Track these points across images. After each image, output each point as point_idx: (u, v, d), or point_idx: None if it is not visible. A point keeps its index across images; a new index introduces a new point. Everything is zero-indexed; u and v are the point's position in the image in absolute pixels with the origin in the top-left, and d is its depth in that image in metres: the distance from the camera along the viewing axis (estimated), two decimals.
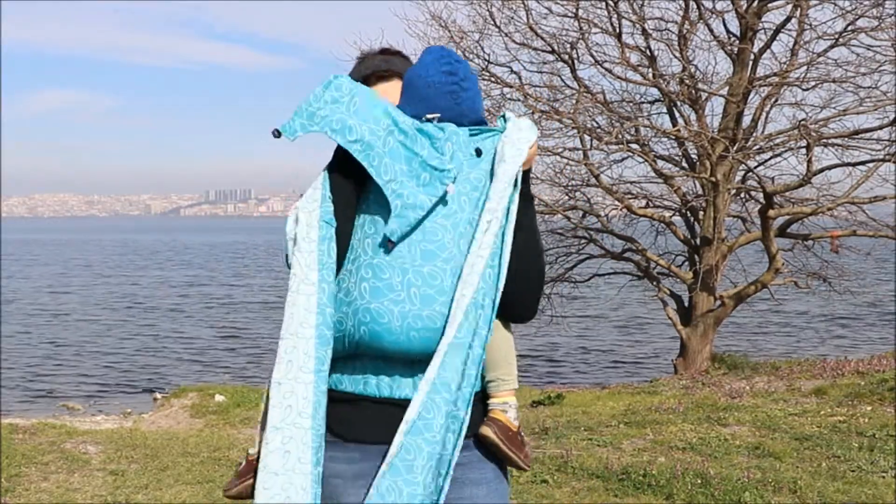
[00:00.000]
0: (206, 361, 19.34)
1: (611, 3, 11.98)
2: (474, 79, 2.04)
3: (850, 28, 11.51)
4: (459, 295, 1.85)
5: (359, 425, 1.92)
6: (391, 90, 2.06)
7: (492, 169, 1.96)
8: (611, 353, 19.79)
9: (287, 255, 1.94)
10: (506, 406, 2.00)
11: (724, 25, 12.42)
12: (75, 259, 64.66)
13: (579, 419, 8.15)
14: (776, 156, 13.17)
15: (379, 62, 2.12)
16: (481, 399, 2.00)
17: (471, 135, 1.98)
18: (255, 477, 1.91)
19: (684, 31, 12.08)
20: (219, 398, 10.46)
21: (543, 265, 2.06)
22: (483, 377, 2.00)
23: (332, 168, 1.97)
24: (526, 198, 2.00)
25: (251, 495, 1.94)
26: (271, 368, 1.91)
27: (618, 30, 12.11)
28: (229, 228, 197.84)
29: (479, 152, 1.97)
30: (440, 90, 1.97)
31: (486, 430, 1.96)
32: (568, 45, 12.39)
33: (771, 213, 11.92)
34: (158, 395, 12.71)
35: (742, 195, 13.75)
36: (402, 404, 1.88)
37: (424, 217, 1.89)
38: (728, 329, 19.86)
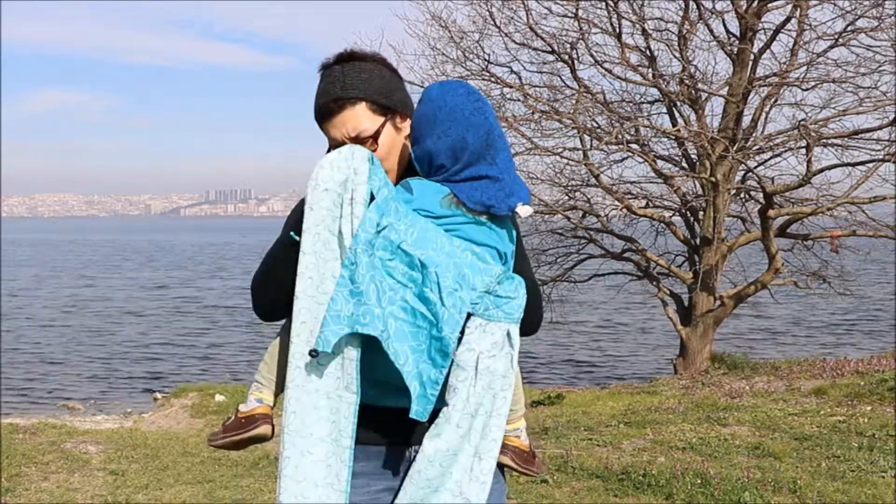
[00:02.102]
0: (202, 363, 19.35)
1: (611, 3, 11.97)
2: (483, 95, 2.04)
3: (849, 28, 11.51)
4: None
5: (362, 430, 1.93)
6: (347, 119, 1.98)
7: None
8: (610, 353, 19.79)
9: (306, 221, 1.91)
10: (518, 431, 2.13)
11: (724, 25, 12.43)
12: (58, 260, 64.58)
13: (579, 419, 8.16)
14: (776, 156, 13.18)
15: (332, 85, 1.99)
16: None
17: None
18: (242, 432, 2.05)
19: (684, 32, 12.08)
20: (219, 398, 10.47)
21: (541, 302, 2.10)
22: None
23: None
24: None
25: (233, 448, 2.12)
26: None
27: (618, 30, 12.11)
28: (227, 228, 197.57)
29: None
30: (466, 110, 1.94)
31: (504, 458, 2.08)
32: (568, 46, 12.39)
33: (771, 213, 11.92)
34: (158, 395, 12.71)
35: (742, 195, 13.75)
36: (400, 411, 1.91)
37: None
38: (726, 335, 19.85)
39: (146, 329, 24.79)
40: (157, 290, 37.85)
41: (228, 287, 39.19)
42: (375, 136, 1.99)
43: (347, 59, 2.03)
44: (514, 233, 2.02)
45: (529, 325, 2.00)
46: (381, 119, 2.00)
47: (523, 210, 1.95)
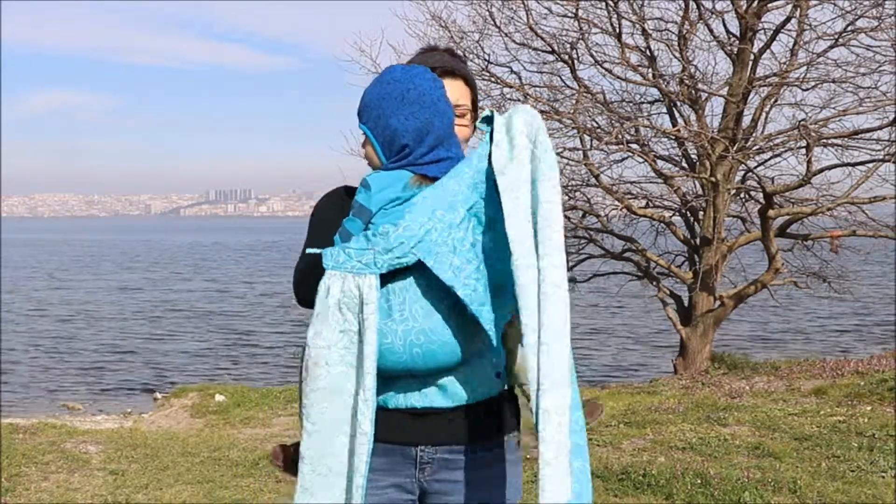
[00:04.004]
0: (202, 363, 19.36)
1: (611, 3, 11.97)
2: None
3: (849, 28, 11.50)
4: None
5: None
6: (452, 88, 2.13)
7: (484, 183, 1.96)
8: (610, 353, 19.79)
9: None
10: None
11: (724, 25, 12.41)
12: (51, 262, 64.43)
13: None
14: (776, 156, 13.17)
15: (442, 56, 2.20)
16: (508, 399, 2.07)
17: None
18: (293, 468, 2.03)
19: (684, 32, 12.07)
20: (219, 398, 10.47)
21: None
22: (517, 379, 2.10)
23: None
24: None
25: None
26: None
27: (618, 30, 12.11)
28: (226, 228, 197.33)
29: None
30: (434, 96, 1.99)
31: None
32: (568, 46, 12.39)
33: (771, 213, 11.92)
34: (158, 395, 12.72)
35: (742, 195, 13.74)
36: (411, 412, 1.93)
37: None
38: (726, 336, 19.82)
39: (143, 329, 24.79)
40: (153, 291, 37.85)
41: (221, 288, 39.20)
42: (472, 113, 2.19)
43: (454, 53, 2.27)
44: None
45: None
46: (471, 103, 2.20)
47: None
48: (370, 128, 1.98)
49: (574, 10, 12.01)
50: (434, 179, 1.93)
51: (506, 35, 12.51)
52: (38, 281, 43.52)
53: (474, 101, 2.21)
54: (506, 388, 2.07)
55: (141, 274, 49.04)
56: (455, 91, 2.12)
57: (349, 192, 2.11)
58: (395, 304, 1.87)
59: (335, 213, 2.05)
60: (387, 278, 1.88)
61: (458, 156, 1.99)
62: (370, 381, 1.83)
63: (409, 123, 1.94)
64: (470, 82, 2.19)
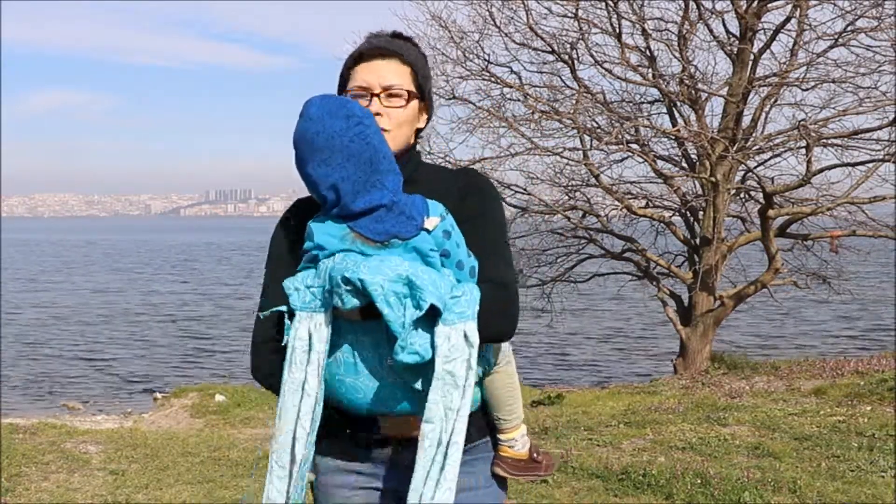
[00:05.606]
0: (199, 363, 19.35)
1: (611, 3, 11.98)
2: (370, 114, 1.86)
3: (849, 28, 11.52)
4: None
5: (341, 445, 2.00)
6: (388, 68, 1.95)
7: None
8: (610, 353, 19.79)
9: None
10: (512, 442, 2.08)
11: (724, 25, 12.43)
12: (47, 262, 64.31)
13: (579, 419, 8.16)
14: (776, 156, 13.18)
15: (381, 39, 2.00)
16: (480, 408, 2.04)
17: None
18: None
19: (684, 32, 12.08)
20: (219, 398, 10.47)
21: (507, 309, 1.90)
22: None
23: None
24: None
25: None
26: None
27: (618, 30, 12.12)
28: (226, 228, 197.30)
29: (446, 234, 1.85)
30: (345, 138, 1.78)
31: (497, 470, 2.08)
32: (568, 46, 12.40)
33: (771, 213, 11.92)
34: (158, 395, 12.71)
35: (742, 195, 13.75)
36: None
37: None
38: (725, 338, 19.82)
39: (142, 330, 24.79)
40: (152, 291, 37.84)
41: (213, 285, 39.16)
42: (407, 97, 1.94)
43: (400, 35, 2.03)
44: (443, 231, 1.85)
45: (491, 329, 1.84)
46: (414, 89, 1.96)
47: (430, 223, 1.82)
48: (297, 170, 1.84)
49: (574, 10, 12.02)
50: (371, 239, 1.79)
51: (506, 35, 12.52)
52: (19, 283, 43.42)
53: (420, 85, 1.97)
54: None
55: (125, 275, 48.83)
56: (386, 71, 1.93)
57: (300, 205, 2.02)
58: (364, 360, 1.83)
59: (290, 242, 1.96)
60: (349, 332, 1.83)
61: (392, 199, 1.80)
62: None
63: (321, 171, 1.79)
64: (409, 62, 1.96)
